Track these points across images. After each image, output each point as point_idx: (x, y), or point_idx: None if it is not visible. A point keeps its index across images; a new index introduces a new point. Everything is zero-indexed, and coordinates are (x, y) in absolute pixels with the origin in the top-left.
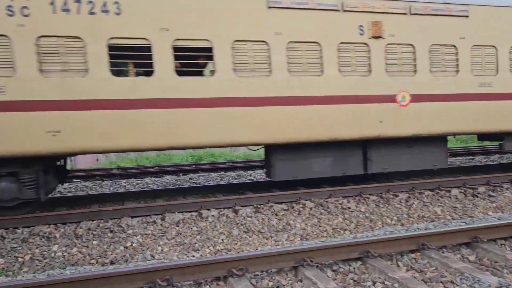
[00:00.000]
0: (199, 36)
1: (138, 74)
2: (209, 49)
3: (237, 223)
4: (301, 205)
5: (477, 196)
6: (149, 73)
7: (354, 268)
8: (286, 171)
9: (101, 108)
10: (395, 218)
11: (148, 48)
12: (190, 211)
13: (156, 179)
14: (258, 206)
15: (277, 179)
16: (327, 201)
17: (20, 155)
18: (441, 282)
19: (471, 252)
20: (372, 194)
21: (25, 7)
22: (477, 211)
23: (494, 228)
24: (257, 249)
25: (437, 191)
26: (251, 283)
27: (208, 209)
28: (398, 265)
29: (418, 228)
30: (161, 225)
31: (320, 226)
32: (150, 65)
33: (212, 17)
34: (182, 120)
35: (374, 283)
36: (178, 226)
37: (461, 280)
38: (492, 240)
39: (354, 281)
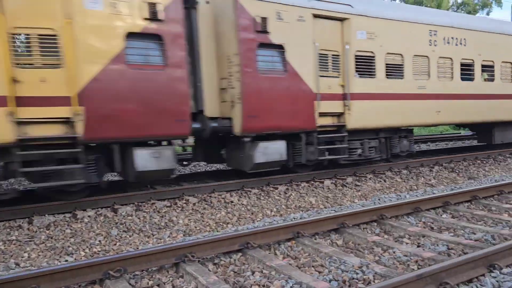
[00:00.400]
0: (490, 58)
1: (464, 79)
2: (492, 66)
3: (117, 223)
4: (184, 201)
5: (346, 186)
6: (471, 79)
7: (234, 260)
8: (499, 138)
9: (459, 99)
10: (275, 209)
11: (472, 65)
12: (63, 213)
13: None
14: (140, 204)
15: (496, 142)
16: (210, 196)
17: (420, 125)
18: (313, 266)
19: (339, 237)
20: (254, 188)
21: (435, 41)
22: (345, 200)
23: (358, 214)
24: (137, 248)
25: (312, 182)
26: (130, 284)
27: (84, 210)
28: (275, 254)
29: (294, 218)
30: (28, 229)
31: (203, 221)
32: (473, 75)
33: (498, 48)
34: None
35: (253, 272)
36: (48, 230)
37: (330, 263)
38: (357, 225)
39: (235, 272)
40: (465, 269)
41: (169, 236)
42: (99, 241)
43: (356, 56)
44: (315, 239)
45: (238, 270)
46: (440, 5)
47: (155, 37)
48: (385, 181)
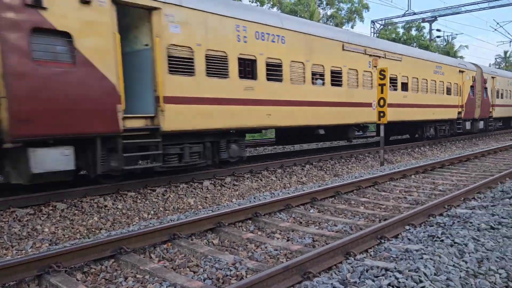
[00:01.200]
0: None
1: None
2: None
3: None
4: (51, 208)
5: (224, 186)
6: None
7: (106, 267)
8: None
9: None
10: (152, 212)
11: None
12: None
13: None
14: None
15: None
16: (81, 201)
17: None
18: (188, 267)
19: (215, 236)
20: (130, 190)
21: None
22: (223, 199)
23: (234, 213)
24: None
25: (191, 183)
26: None
27: None
28: (150, 257)
29: (171, 220)
30: None
31: (73, 228)
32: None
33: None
34: None
35: (126, 278)
36: None
37: (205, 262)
38: (233, 223)
39: (106, 279)
40: (326, 258)
41: (31, 247)
42: None
43: (497, 89)
44: (192, 239)
45: (109, 277)
46: (312, 16)
47: (472, 88)
48: (261, 180)
